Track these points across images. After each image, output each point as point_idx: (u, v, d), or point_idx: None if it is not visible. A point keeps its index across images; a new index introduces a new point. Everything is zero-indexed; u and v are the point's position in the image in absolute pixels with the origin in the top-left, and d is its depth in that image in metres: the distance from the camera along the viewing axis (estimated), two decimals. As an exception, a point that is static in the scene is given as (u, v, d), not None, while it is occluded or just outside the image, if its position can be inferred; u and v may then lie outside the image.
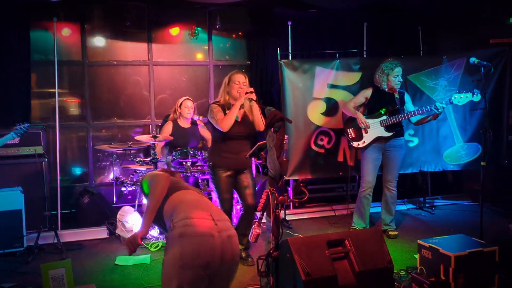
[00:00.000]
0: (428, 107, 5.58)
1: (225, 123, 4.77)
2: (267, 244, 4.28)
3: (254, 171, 5.98)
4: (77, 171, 7.09)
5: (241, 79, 4.87)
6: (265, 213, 3.74)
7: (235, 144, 4.88)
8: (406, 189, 7.78)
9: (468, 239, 4.53)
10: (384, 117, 5.67)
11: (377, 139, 5.72)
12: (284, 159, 4.37)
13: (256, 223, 3.55)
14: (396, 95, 5.73)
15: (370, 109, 5.82)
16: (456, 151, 6.89)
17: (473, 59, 4.94)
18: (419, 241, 4.45)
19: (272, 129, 4.33)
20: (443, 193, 7.78)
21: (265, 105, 4.76)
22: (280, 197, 3.32)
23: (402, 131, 5.82)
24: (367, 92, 5.87)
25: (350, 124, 5.92)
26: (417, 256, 4.97)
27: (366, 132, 5.76)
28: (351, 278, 3.48)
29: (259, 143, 4.55)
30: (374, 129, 5.71)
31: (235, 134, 4.85)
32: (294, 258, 3.35)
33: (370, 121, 5.74)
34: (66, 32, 6.74)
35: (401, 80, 5.71)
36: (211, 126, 5.00)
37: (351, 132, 5.91)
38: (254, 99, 4.73)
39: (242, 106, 4.88)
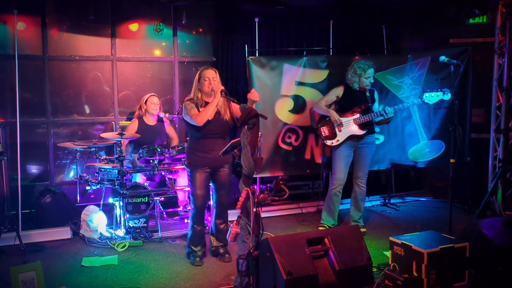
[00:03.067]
0: (379, 111, 5.65)
1: (200, 118, 4.64)
2: (241, 242, 4.21)
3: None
4: (37, 169, 6.83)
5: (210, 75, 4.76)
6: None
7: (208, 142, 4.78)
8: (370, 186, 7.83)
9: (439, 236, 4.58)
10: (357, 116, 5.68)
11: (351, 137, 5.73)
12: (258, 157, 4.34)
13: (235, 222, 3.49)
14: (367, 93, 5.76)
15: (342, 108, 5.82)
16: (420, 149, 6.99)
17: (443, 58, 5.01)
18: (391, 238, 4.47)
19: (246, 126, 4.29)
20: (405, 189, 7.90)
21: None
22: (261, 196, 3.27)
23: (373, 129, 5.86)
24: (339, 91, 5.84)
25: (323, 122, 5.91)
26: (387, 253, 5.03)
27: (340, 131, 5.77)
28: (332, 276, 3.47)
29: (232, 141, 4.50)
30: (347, 127, 5.72)
31: (207, 132, 4.75)
32: (274, 257, 3.31)
33: (343, 119, 5.74)
34: (26, 26, 6.48)
35: (372, 81, 5.73)
36: (186, 123, 4.88)
37: (324, 130, 5.90)
38: (228, 96, 4.65)
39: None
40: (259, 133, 4.33)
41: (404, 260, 4.29)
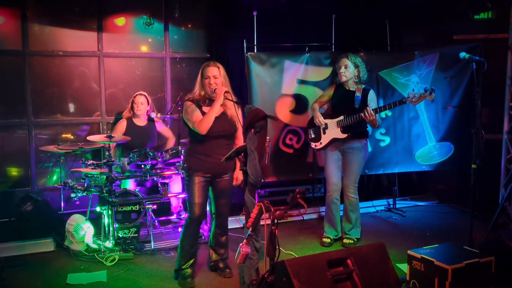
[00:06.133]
0: (358, 114, 5.13)
1: (203, 125, 4.10)
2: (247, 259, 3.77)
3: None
4: (17, 174, 6.33)
5: (211, 73, 4.20)
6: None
7: (212, 145, 4.22)
8: (371, 190, 7.48)
9: (461, 249, 4.22)
10: (341, 118, 5.22)
11: (334, 140, 5.31)
12: (266, 164, 3.92)
13: (245, 241, 3.05)
14: (358, 94, 5.23)
15: (332, 108, 5.42)
16: (428, 151, 6.61)
17: (463, 54, 4.60)
18: (409, 252, 4.10)
19: (252, 129, 3.87)
20: (408, 193, 7.53)
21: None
22: (278, 212, 2.84)
23: (361, 133, 5.32)
24: (329, 91, 5.49)
25: (311, 123, 5.52)
26: (400, 265, 4.67)
27: (324, 133, 5.36)
28: (356, 302, 3.04)
29: (237, 146, 4.06)
30: (331, 130, 5.30)
31: (212, 133, 4.17)
32: (292, 282, 2.87)
33: (329, 121, 5.32)
34: (3, 19, 6.01)
35: (348, 75, 5.24)
36: (186, 124, 4.32)
37: (311, 133, 5.53)
38: (230, 98, 4.18)
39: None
40: (267, 137, 3.91)
41: (424, 276, 3.94)
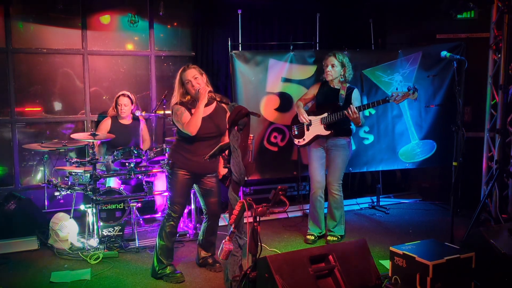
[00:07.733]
0: (341, 112, 5.16)
1: (192, 126, 4.09)
2: (230, 256, 3.79)
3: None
4: (0, 172, 6.29)
5: (191, 75, 4.20)
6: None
7: (200, 145, 4.25)
8: (356, 187, 7.54)
9: (442, 245, 4.26)
10: (325, 115, 5.24)
11: (317, 137, 5.34)
12: (250, 161, 3.93)
13: (228, 238, 3.08)
14: (342, 92, 5.28)
15: (317, 106, 5.45)
16: (411, 149, 6.68)
17: (444, 53, 4.66)
18: (391, 248, 4.13)
19: (236, 127, 3.88)
20: (392, 191, 7.59)
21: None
22: (259, 209, 2.86)
23: (345, 131, 5.34)
24: (314, 88, 5.52)
25: (296, 120, 5.56)
26: (383, 262, 4.71)
27: (308, 130, 5.39)
28: (337, 298, 3.08)
29: (221, 144, 4.07)
30: (315, 127, 5.33)
31: (200, 134, 4.18)
32: (274, 278, 2.89)
33: (313, 118, 5.34)
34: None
35: (335, 74, 5.25)
36: (176, 125, 4.31)
37: (294, 129, 5.56)
38: (214, 97, 4.18)
39: (208, 103, 4.27)
40: (250, 134, 3.93)
41: (406, 272, 3.95)
